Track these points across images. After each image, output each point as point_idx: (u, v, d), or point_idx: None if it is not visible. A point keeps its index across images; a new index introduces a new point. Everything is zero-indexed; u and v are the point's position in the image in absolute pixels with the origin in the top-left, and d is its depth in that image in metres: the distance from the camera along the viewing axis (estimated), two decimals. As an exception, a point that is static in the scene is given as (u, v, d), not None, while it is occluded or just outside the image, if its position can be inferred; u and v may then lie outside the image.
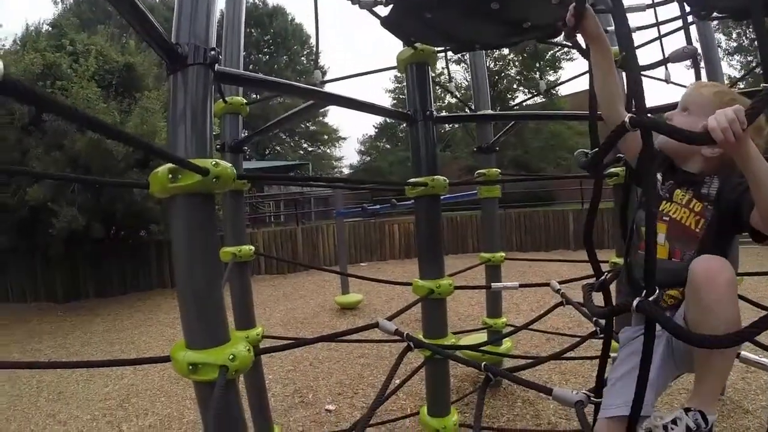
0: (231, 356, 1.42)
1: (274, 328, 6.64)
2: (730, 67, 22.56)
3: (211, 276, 1.47)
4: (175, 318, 5.57)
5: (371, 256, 13.04)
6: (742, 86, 12.45)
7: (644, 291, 1.04)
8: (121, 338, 7.08)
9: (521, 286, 3.30)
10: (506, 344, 4.49)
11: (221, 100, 3.08)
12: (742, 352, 1.78)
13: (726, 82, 4.18)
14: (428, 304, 2.77)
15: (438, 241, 2.76)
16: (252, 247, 3.15)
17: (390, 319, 2.57)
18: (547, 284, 2.72)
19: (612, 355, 1.46)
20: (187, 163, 1.33)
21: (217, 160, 1.42)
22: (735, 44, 23.36)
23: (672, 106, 1.55)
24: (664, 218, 1.45)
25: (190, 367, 1.39)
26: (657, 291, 1.04)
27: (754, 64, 18.39)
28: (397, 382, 2.95)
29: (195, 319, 1.45)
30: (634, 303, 1.02)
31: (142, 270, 10.73)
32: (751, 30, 20.75)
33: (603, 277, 1.44)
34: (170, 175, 1.35)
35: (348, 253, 10.74)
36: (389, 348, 5.45)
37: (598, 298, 1.41)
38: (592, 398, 1.47)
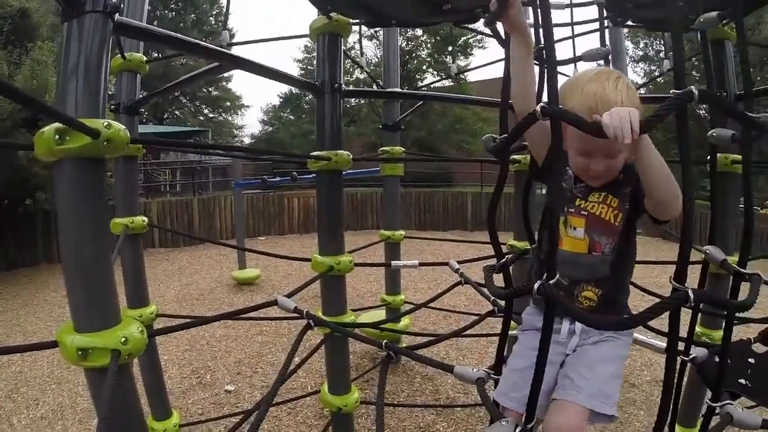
0: (123, 339, 1.31)
1: (169, 305, 6.32)
2: (634, 74, 24.85)
3: (101, 250, 1.33)
4: (65, 296, 5.06)
5: (269, 229, 12.75)
6: (643, 92, 13.59)
7: (545, 275, 1.07)
8: (5, 320, 6.36)
9: (421, 264, 3.36)
10: (404, 321, 4.61)
11: (119, 55, 2.79)
12: (635, 335, 1.94)
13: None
14: (327, 281, 2.74)
15: (339, 217, 2.72)
16: (145, 219, 2.91)
17: (289, 296, 2.50)
18: (446, 263, 2.79)
19: (512, 332, 1.52)
20: (76, 123, 1.18)
21: (110, 121, 1.27)
22: (641, 53, 25.64)
23: None
24: (582, 213, 1.45)
25: (80, 353, 1.26)
26: (557, 276, 1.07)
27: (656, 74, 20.42)
28: (297, 360, 2.90)
29: (83, 298, 1.32)
30: (536, 285, 1.05)
31: (27, 243, 9.50)
32: (657, 41, 22.97)
33: (504, 259, 1.48)
34: (57, 136, 1.19)
35: (246, 227, 10.40)
36: (288, 325, 5.38)
37: (498, 280, 1.46)
38: (491, 375, 1.52)
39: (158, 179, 17.29)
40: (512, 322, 1.44)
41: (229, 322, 5.50)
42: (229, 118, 32.30)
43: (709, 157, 1.75)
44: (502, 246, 1.50)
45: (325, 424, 3.20)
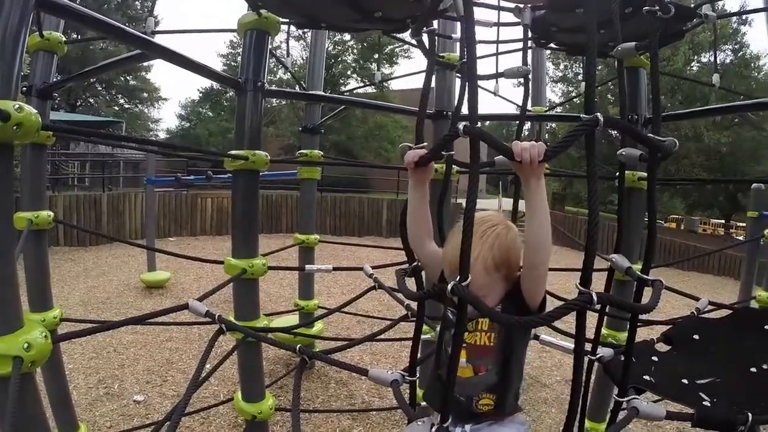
0: (26, 345, 1.22)
1: (74, 309, 5.83)
2: (553, 93, 26.31)
3: (3, 246, 1.23)
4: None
5: (181, 230, 12.13)
6: (559, 110, 14.45)
7: (458, 277, 1.10)
8: None
9: (335, 269, 3.35)
10: (318, 326, 4.57)
11: (37, 33, 2.57)
12: (541, 335, 2.05)
13: (547, 104, 4.83)
14: (240, 285, 2.65)
15: (253, 218, 2.65)
16: (51, 213, 2.66)
17: (200, 299, 2.40)
18: (360, 268, 2.80)
19: (425, 336, 1.54)
20: (-17, 103, 1.07)
21: (22, 104, 1.17)
22: (560, 74, 27.25)
23: (498, 116, 1.70)
24: (463, 344, 1.56)
25: (-23, 360, 1.15)
26: (469, 278, 1.11)
27: (573, 94, 21.76)
28: (209, 367, 2.78)
29: (-19, 299, 1.19)
30: (449, 287, 1.07)
31: None
32: (576, 64, 24.60)
33: (415, 263, 1.51)
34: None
35: (156, 226, 9.86)
36: (198, 330, 5.17)
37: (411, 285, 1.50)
38: (406, 377, 1.54)
39: (66, 171, 15.91)
40: (426, 326, 1.49)
41: (137, 327, 5.19)
42: (145, 110, 30.45)
43: (618, 174, 1.87)
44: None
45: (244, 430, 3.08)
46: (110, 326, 2.03)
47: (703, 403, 1.52)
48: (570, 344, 1.95)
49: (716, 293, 9.09)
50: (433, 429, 1.26)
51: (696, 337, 1.97)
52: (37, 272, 2.66)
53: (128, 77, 27.45)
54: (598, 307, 1.05)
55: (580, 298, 1.01)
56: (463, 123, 1.15)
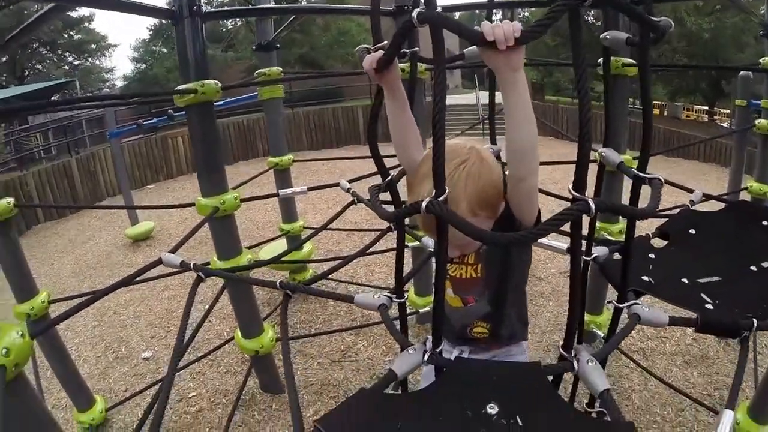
0: (4, 351, 1.15)
1: (67, 282, 5.70)
2: None
3: None
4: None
5: (157, 175, 11.76)
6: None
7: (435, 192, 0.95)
8: None
9: (310, 189, 3.17)
10: (307, 247, 4.49)
11: None
12: None
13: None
14: (215, 224, 2.54)
15: (216, 152, 2.49)
16: (11, 200, 2.43)
17: (176, 248, 2.27)
18: (338, 184, 2.65)
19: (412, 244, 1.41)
20: None
21: None
22: None
23: (465, 6, 1.45)
24: (449, 281, 1.47)
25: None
26: (447, 192, 0.96)
27: None
28: (201, 314, 2.71)
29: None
30: (423, 204, 0.93)
31: None
32: None
33: (389, 177, 1.35)
34: None
35: (131, 179, 9.55)
36: (192, 274, 5.08)
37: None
38: (394, 299, 1.42)
39: (29, 146, 15.08)
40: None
41: (131, 285, 5.11)
42: (97, 62, 28.60)
43: (602, 60, 1.69)
44: (389, 158, 1.37)
45: (247, 368, 3.09)
46: (97, 298, 1.92)
47: (706, 306, 1.44)
48: (562, 244, 1.87)
49: (703, 180, 8.98)
50: (426, 355, 1.14)
51: (692, 231, 1.85)
52: (12, 263, 2.52)
53: (71, 32, 25.51)
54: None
55: (576, 206, 0.87)
56: (418, 9, 0.93)
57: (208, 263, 2.71)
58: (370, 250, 2.46)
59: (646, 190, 1.16)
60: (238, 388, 3.07)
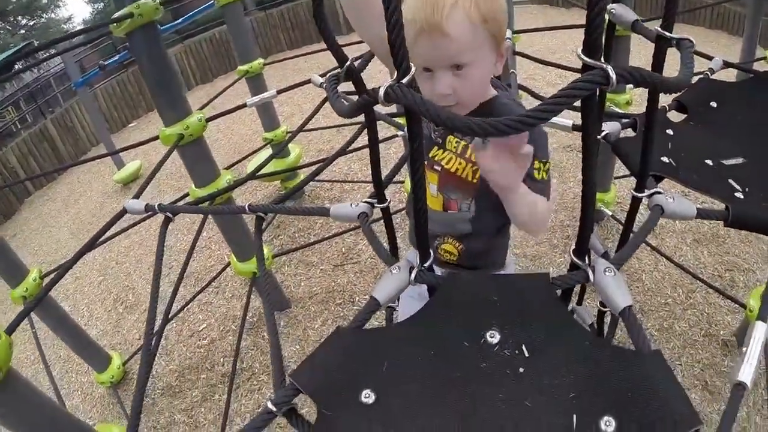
0: None
1: (68, 245, 5.54)
2: None
3: None
4: None
5: (137, 111, 11.08)
6: None
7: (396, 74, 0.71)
8: None
9: (280, 92, 2.85)
10: (295, 151, 4.24)
11: None
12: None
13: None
14: (185, 151, 2.31)
15: (170, 77, 2.21)
16: None
17: (139, 193, 2.07)
18: (308, 81, 2.35)
19: (400, 133, 1.17)
20: None
21: None
22: None
23: None
24: (435, 167, 1.23)
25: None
26: (413, 69, 0.71)
27: None
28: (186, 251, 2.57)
29: None
30: (381, 90, 0.69)
31: None
32: None
33: (348, 62, 1.09)
34: None
35: (111, 121, 9.10)
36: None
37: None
38: (375, 205, 1.21)
39: (4, 120, 14.26)
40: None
41: (128, 231, 5.01)
42: (52, 15, 26.43)
43: None
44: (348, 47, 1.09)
45: (248, 291, 3.01)
46: (80, 254, 1.77)
47: (735, 195, 1.20)
48: (567, 120, 1.61)
49: (711, 48, 8.31)
50: (413, 274, 0.96)
51: (713, 104, 1.57)
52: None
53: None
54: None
55: (590, 76, 0.62)
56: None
57: (186, 194, 2.52)
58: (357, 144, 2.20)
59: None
60: (244, 306, 3.01)
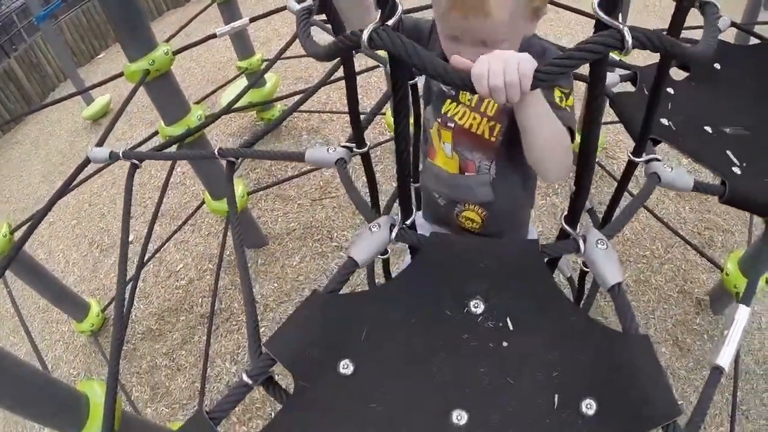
0: None
1: (40, 189, 5.24)
2: None
3: None
4: None
5: (105, 41, 10.29)
6: None
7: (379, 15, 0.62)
8: None
9: (253, 19, 2.60)
10: (272, 81, 4.02)
11: None
12: None
13: None
14: (152, 88, 2.16)
15: (133, 6, 1.99)
16: None
17: (105, 136, 1.95)
18: (284, 8, 2.17)
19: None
20: None
21: None
22: None
23: None
24: (448, 124, 1.11)
25: None
26: (400, 9, 0.62)
27: None
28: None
29: None
30: (365, 34, 0.61)
31: None
32: None
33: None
34: None
35: (79, 54, 8.52)
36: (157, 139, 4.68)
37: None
38: (354, 150, 1.13)
39: None
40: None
41: (101, 170, 4.81)
42: None
43: None
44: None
45: (224, 229, 2.94)
46: (47, 209, 1.68)
47: (733, 168, 1.14)
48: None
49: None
50: (394, 232, 0.89)
51: (717, 66, 1.49)
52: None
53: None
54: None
55: (604, 36, 0.54)
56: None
57: (157, 132, 2.38)
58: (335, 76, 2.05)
59: None
60: (220, 246, 2.94)
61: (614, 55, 2.61)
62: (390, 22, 0.61)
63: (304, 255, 3.04)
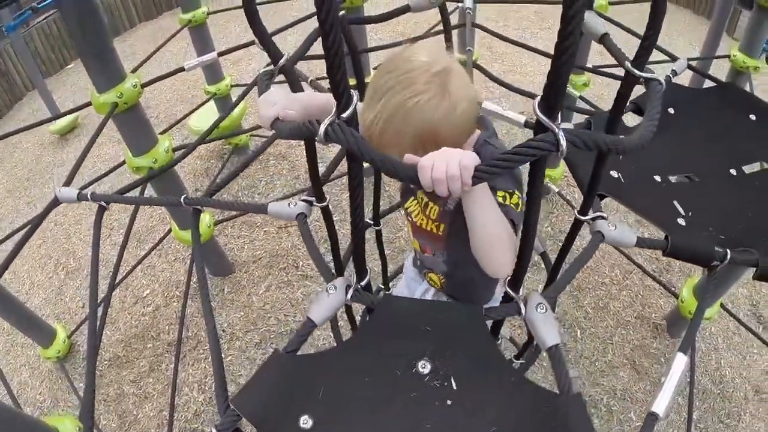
0: None
1: (5, 205, 5.05)
2: None
3: None
4: None
5: (75, 51, 10.19)
6: None
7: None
8: None
9: (221, 54, 2.61)
10: (240, 105, 3.86)
11: None
12: (484, 102, 1.62)
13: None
14: (120, 120, 2.15)
15: (101, 34, 1.99)
16: None
17: (73, 173, 1.94)
18: (252, 43, 2.21)
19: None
20: None
21: None
22: None
23: None
24: (408, 218, 1.28)
25: None
26: (355, 101, 0.67)
27: None
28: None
29: None
30: (322, 128, 0.66)
31: None
32: None
33: (282, 61, 1.03)
34: None
35: (49, 63, 8.29)
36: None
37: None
38: (314, 204, 1.18)
39: None
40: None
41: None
42: None
43: None
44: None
45: (191, 257, 2.93)
46: (20, 245, 1.78)
47: (678, 220, 1.22)
48: (521, 117, 1.58)
49: (674, 28, 8.20)
50: (349, 293, 0.95)
51: (671, 111, 1.57)
52: None
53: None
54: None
55: (538, 142, 0.59)
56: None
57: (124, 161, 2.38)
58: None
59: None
60: (187, 275, 2.94)
61: (572, 90, 2.72)
62: (345, 115, 0.65)
63: (270, 284, 3.06)
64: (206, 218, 2.77)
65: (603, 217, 1.04)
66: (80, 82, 8.57)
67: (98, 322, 1.67)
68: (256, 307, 2.94)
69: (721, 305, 2.35)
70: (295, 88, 1.10)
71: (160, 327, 2.98)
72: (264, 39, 0.93)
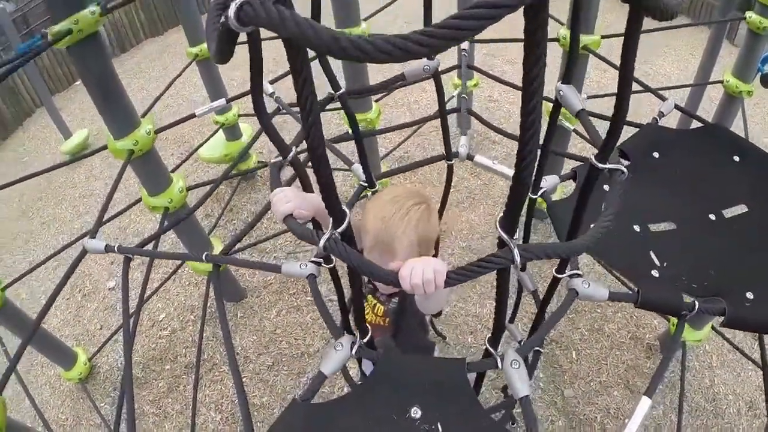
0: None
1: (18, 225, 5.18)
2: None
3: None
4: None
5: None
6: None
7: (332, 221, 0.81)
8: None
9: (229, 100, 2.70)
10: (247, 132, 4.13)
11: None
12: (476, 156, 1.74)
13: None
14: (136, 165, 2.30)
15: (115, 87, 2.12)
16: None
17: (101, 220, 2.09)
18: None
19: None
20: None
21: None
22: None
23: None
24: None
25: None
26: (348, 218, 0.81)
27: None
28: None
29: None
30: (321, 242, 0.80)
31: None
32: None
33: (291, 154, 1.16)
34: None
35: (53, 82, 8.45)
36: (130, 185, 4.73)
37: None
38: (323, 265, 1.32)
39: None
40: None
41: (78, 209, 4.87)
42: None
43: None
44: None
45: (206, 283, 3.08)
46: (55, 294, 1.92)
47: (652, 272, 1.34)
48: (508, 170, 1.70)
49: (670, 51, 8.19)
50: (354, 349, 1.12)
51: (656, 155, 1.64)
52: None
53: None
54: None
55: (496, 258, 0.74)
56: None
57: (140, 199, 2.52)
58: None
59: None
60: (203, 302, 3.07)
61: (564, 121, 2.81)
62: (339, 230, 0.79)
63: (281, 308, 3.20)
64: (219, 247, 2.91)
65: (579, 275, 1.16)
66: (88, 99, 8.65)
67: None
68: (267, 331, 3.08)
69: (713, 327, 2.44)
70: (304, 183, 1.25)
71: (177, 350, 3.13)
72: (271, 132, 1.06)
